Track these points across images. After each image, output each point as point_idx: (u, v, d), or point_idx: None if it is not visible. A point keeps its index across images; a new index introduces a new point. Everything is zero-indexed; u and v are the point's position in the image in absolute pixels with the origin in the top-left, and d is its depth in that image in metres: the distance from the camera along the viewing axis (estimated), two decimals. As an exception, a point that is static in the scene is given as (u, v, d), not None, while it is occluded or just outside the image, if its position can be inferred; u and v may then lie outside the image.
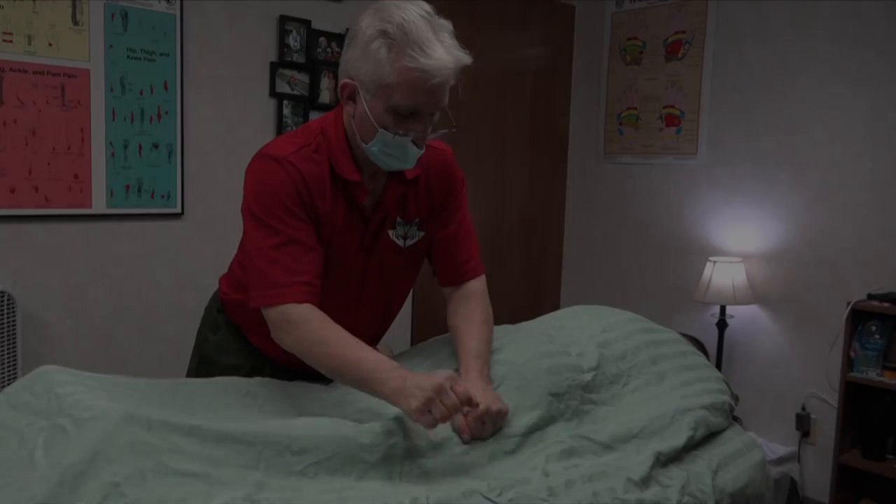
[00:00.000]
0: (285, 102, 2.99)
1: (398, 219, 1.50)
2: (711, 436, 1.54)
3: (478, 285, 1.58)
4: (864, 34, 2.97)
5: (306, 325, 1.31)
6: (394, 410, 1.31)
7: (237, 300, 1.57)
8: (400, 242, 1.51)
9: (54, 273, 2.53)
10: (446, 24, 1.32)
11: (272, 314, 1.34)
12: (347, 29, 3.06)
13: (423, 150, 1.39)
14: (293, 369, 1.57)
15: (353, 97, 1.37)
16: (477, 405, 1.25)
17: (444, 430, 1.29)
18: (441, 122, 1.40)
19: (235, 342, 1.63)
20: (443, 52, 1.27)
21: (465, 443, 1.27)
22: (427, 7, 1.31)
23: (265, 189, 1.36)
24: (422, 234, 1.54)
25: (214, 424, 1.12)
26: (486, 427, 1.29)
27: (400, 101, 1.30)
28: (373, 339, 1.65)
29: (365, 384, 1.27)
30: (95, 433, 1.02)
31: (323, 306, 1.36)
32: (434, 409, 1.18)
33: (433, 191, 1.53)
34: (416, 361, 1.56)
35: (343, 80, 1.36)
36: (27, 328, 2.46)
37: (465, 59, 1.30)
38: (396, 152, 1.36)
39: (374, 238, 1.49)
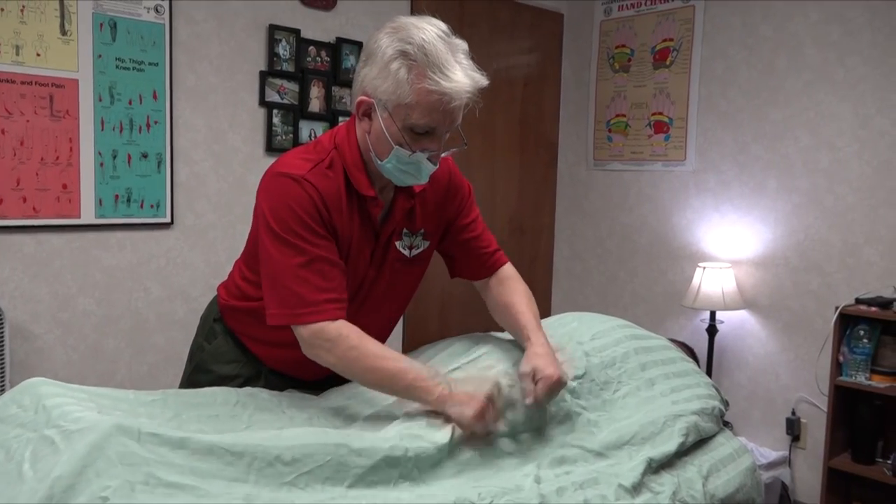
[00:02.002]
0: (275, 111, 2.99)
1: (404, 230, 1.52)
2: (702, 441, 1.55)
3: (511, 269, 1.65)
4: (849, 41, 3.00)
5: (347, 342, 1.35)
6: (386, 418, 1.32)
7: (238, 307, 1.58)
8: (406, 253, 1.54)
9: (43, 284, 2.52)
10: (462, 45, 1.34)
11: (307, 332, 1.36)
12: (336, 38, 3.09)
13: (437, 167, 1.41)
14: (288, 377, 1.58)
15: (368, 114, 1.38)
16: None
17: (439, 437, 1.29)
18: (452, 138, 1.43)
19: (232, 351, 1.63)
20: (461, 74, 1.30)
21: (528, 405, 1.35)
22: (443, 27, 1.34)
23: (285, 208, 1.36)
24: (427, 244, 1.57)
25: (203, 436, 1.11)
26: (550, 396, 1.37)
27: (417, 121, 1.32)
28: None
29: (410, 392, 1.33)
30: (84, 445, 1.01)
31: None
32: (487, 417, 1.29)
33: (439, 200, 1.56)
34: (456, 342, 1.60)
35: (359, 97, 1.37)
36: (15, 340, 2.44)
37: (483, 81, 1.33)
38: (411, 169, 1.38)
39: (384, 250, 1.51)
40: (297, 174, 1.38)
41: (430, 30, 1.31)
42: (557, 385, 1.36)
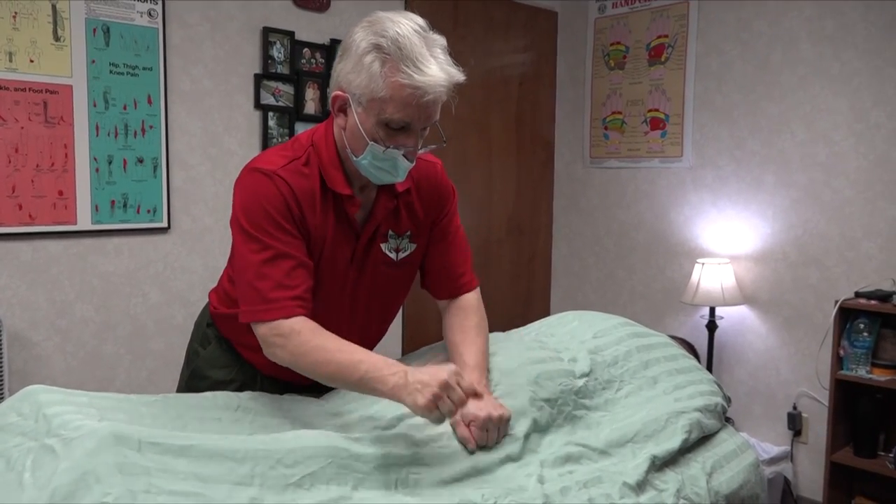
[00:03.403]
0: (270, 114, 2.98)
1: (390, 231, 1.50)
2: (705, 438, 1.55)
3: (472, 297, 1.59)
4: (844, 35, 3.01)
5: (298, 337, 1.31)
6: (388, 420, 1.30)
7: (227, 314, 1.56)
8: (392, 256, 1.51)
9: (40, 291, 2.51)
10: (440, 40, 1.32)
11: (262, 330, 1.34)
12: (330, 39, 3.08)
13: (414, 164, 1.39)
14: (284, 382, 1.57)
15: (343, 109, 1.36)
16: (482, 395, 1.27)
17: (439, 438, 1.29)
18: (430, 135, 1.40)
19: (226, 356, 1.62)
20: (436, 68, 1.27)
21: (470, 453, 1.28)
22: (421, 22, 1.31)
23: (255, 204, 1.35)
24: (414, 246, 1.54)
25: (205, 442, 1.10)
26: (490, 434, 1.30)
27: (391, 116, 1.30)
28: None
29: (364, 385, 1.26)
30: (84, 453, 1.00)
31: (315, 321, 1.36)
32: (441, 405, 1.20)
33: (425, 204, 1.53)
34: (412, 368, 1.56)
35: (335, 92, 1.36)
36: (13, 347, 2.43)
37: (459, 76, 1.31)
38: (386, 165, 1.36)
39: (366, 251, 1.49)
40: (269, 170, 1.37)
41: (405, 23, 1.29)
42: (489, 422, 1.28)
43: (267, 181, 1.36)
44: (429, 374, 1.21)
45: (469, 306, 1.57)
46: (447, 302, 1.59)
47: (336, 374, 1.29)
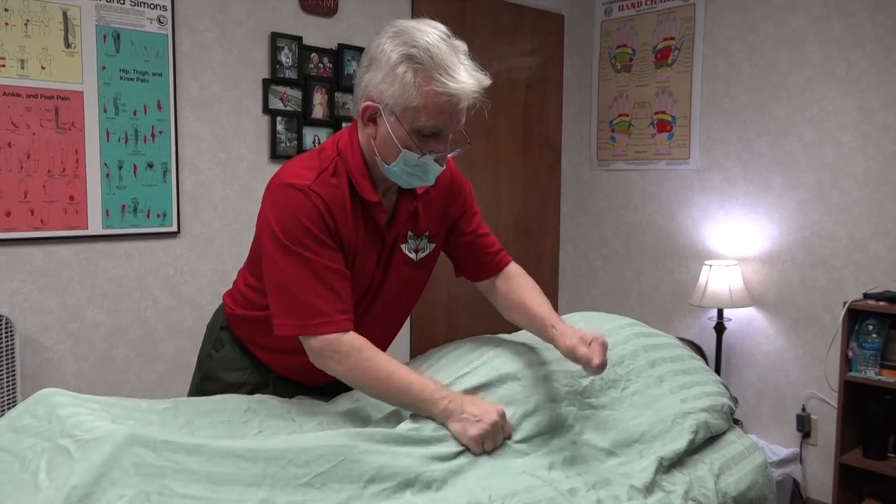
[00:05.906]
0: (278, 119, 3.00)
1: (409, 233, 1.53)
2: (712, 439, 1.55)
3: (516, 267, 1.65)
4: (851, 36, 3.00)
5: (357, 355, 1.36)
6: (396, 421, 1.32)
7: (243, 315, 1.59)
8: (412, 256, 1.54)
9: (52, 295, 2.53)
10: (462, 46, 1.35)
11: (316, 343, 1.37)
12: (338, 44, 3.10)
13: (444, 167, 1.42)
14: (297, 383, 1.59)
15: (374, 119, 1.39)
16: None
17: (445, 438, 1.30)
18: (455, 138, 1.44)
19: (239, 359, 1.64)
20: (466, 75, 1.31)
21: (592, 373, 1.37)
22: (443, 28, 1.35)
23: (291, 219, 1.37)
24: (432, 246, 1.58)
25: (218, 443, 1.12)
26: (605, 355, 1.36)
27: (425, 123, 1.33)
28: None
29: (415, 406, 1.35)
30: (99, 454, 1.02)
31: None
32: (487, 443, 1.31)
33: (444, 202, 1.57)
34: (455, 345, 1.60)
35: (364, 103, 1.37)
36: (25, 351, 2.46)
37: (486, 80, 1.35)
38: (418, 171, 1.39)
39: (390, 253, 1.52)
40: (302, 184, 1.38)
41: (432, 32, 1.32)
42: (605, 344, 1.36)
43: (301, 196, 1.37)
44: (481, 410, 1.31)
45: (519, 273, 1.63)
46: (491, 280, 1.64)
47: (389, 393, 1.36)
